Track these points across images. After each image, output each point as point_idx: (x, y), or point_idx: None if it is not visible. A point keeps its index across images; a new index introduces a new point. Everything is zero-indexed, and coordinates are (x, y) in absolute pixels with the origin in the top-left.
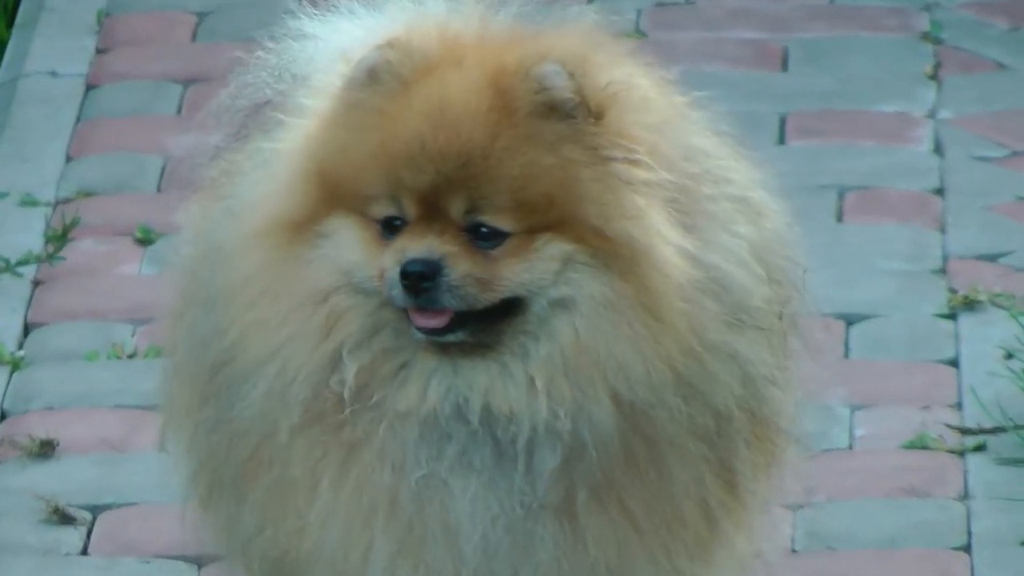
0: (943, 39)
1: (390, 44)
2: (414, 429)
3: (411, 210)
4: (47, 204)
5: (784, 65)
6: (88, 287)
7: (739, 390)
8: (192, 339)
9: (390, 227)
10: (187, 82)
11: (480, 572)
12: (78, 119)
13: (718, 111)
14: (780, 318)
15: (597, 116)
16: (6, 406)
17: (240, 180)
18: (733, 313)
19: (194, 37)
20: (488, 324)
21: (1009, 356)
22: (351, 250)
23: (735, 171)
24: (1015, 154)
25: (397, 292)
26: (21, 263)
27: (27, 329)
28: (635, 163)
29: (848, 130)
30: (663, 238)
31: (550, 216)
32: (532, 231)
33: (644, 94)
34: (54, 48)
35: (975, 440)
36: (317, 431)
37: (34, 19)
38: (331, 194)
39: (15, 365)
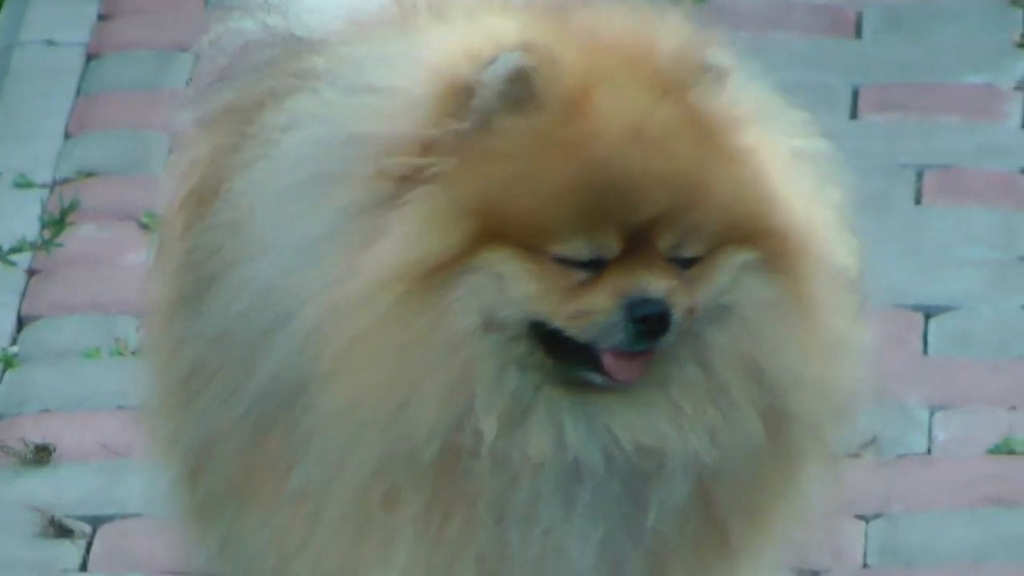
0: None
1: (526, 48)
2: (551, 478)
3: (615, 247)
4: (43, 186)
5: (858, 32)
6: (89, 277)
7: (851, 386)
8: (233, 398)
9: (582, 264)
10: (197, 53)
11: None
12: (78, 93)
13: (784, 83)
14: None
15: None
16: None
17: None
18: (843, 296)
19: (206, 2)
20: None
21: None
22: (518, 285)
23: (794, 122)
24: None
25: (622, 337)
26: (15, 251)
27: (21, 323)
28: (790, 145)
29: (928, 104)
30: (818, 218)
31: (742, 232)
32: (714, 249)
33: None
34: (52, 15)
35: None
36: (444, 492)
37: None
38: (491, 231)
39: (8, 363)
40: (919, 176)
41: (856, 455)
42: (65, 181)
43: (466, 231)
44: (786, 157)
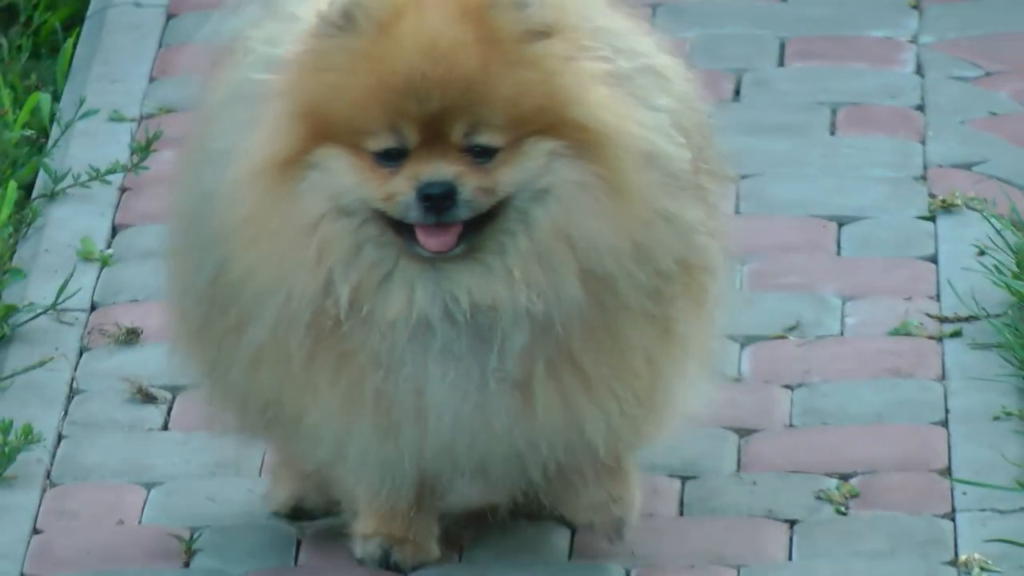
0: None
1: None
2: (403, 333)
3: (413, 139)
4: (133, 120)
5: None
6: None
7: (679, 249)
8: (197, 277)
9: (389, 156)
10: None
11: (445, 444)
12: (160, 45)
13: (725, 36)
14: (697, 172)
15: (553, 31)
16: (96, 299)
17: (216, 125)
18: (667, 181)
19: None
20: (478, 231)
21: (982, 253)
22: (344, 176)
23: (641, 43)
24: (988, 74)
25: (415, 213)
26: (109, 172)
27: (115, 230)
28: (594, 59)
29: (841, 54)
30: (625, 119)
31: (537, 124)
32: (519, 139)
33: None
34: None
35: (952, 327)
36: (318, 346)
37: None
38: (320, 131)
39: (104, 262)
40: (834, 112)
41: (782, 336)
42: (150, 116)
43: (302, 133)
44: (591, 71)
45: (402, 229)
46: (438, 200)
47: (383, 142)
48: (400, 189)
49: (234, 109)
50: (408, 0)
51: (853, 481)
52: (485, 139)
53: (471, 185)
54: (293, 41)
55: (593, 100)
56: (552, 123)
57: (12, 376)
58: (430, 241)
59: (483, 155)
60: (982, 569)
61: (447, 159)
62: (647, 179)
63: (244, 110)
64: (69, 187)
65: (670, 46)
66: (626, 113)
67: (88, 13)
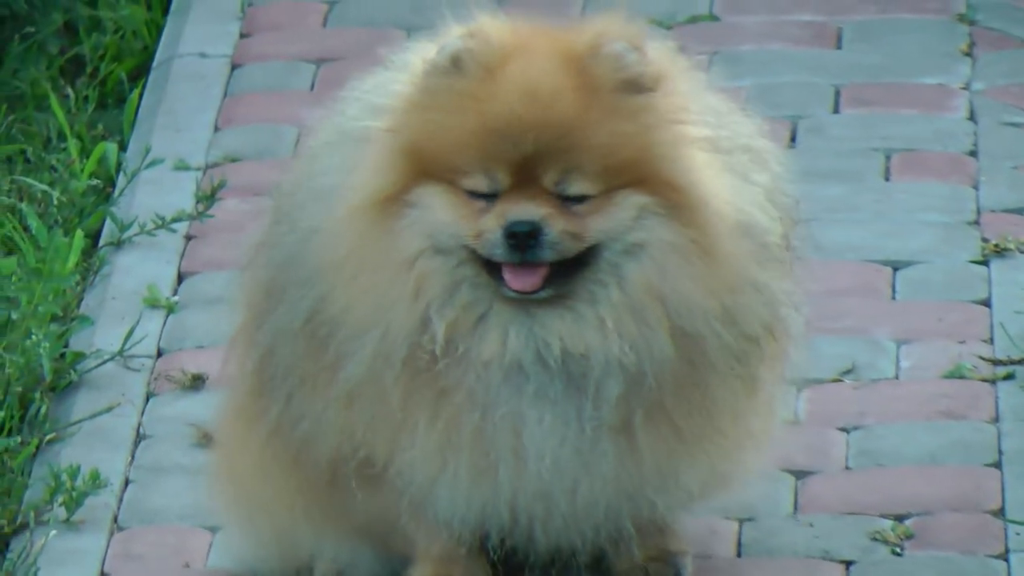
0: (977, 20)
1: (470, 34)
2: (498, 374)
3: (505, 180)
4: (198, 168)
5: (839, 43)
6: (233, 241)
7: (766, 317)
8: (292, 315)
9: (484, 196)
10: (319, 62)
11: (543, 488)
12: (224, 94)
13: (781, 84)
14: (788, 248)
15: (654, 87)
16: (162, 345)
17: (320, 164)
18: (759, 251)
19: (325, 23)
20: (567, 277)
21: None
22: (440, 213)
23: (741, 124)
24: None
25: (500, 251)
26: (175, 220)
27: (180, 278)
28: (694, 124)
29: (894, 100)
30: (719, 187)
31: (630, 176)
32: (611, 190)
33: (675, 65)
34: (204, 33)
35: (1005, 370)
36: (415, 383)
37: (186, 7)
38: (421, 169)
39: (170, 309)
40: (887, 157)
41: (838, 379)
42: (214, 165)
43: (404, 170)
44: (689, 133)
45: (493, 269)
46: (523, 238)
47: (477, 182)
48: (488, 227)
49: (340, 149)
50: (515, 47)
51: (908, 522)
52: (576, 186)
53: (557, 227)
54: (402, 84)
55: (688, 161)
56: (644, 177)
57: (80, 421)
58: (515, 281)
59: (574, 202)
60: None
61: (536, 201)
62: (739, 247)
63: (349, 150)
64: (135, 235)
65: (767, 130)
66: (720, 179)
67: (153, 64)
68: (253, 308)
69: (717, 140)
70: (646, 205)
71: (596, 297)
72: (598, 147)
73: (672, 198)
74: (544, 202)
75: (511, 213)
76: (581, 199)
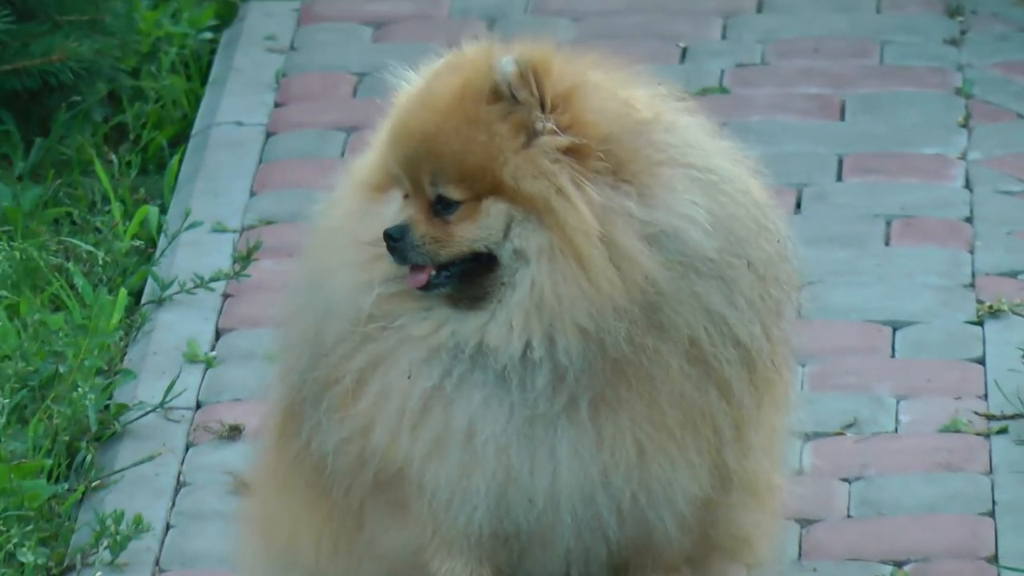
0: (973, 94)
1: (425, 63)
2: (423, 350)
3: (407, 186)
4: (234, 231)
5: (843, 115)
6: (268, 299)
7: (704, 321)
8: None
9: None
10: (349, 130)
11: (503, 469)
12: (260, 161)
13: (788, 153)
14: (763, 280)
15: (554, 106)
16: (201, 397)
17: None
18: (682, 259)
19: (354, 93)
20: (470, 279)
21: None
22: (388, 211)
23: (713, 160)
24: None
25: (390, 254)
26: (213, 279)
27: (218, 334)
28: (557, 135)
29: (895, 169)
30: (570, 194)
31: (487, 183)
32: (479, 198)
33: (613, 95)
34: (240, 102)
35: (998, 424)
36: (353, 341)
37: (224, 78)
38: (390, 173)
39: (209, 364)
40: (888, 223)
41: (841, 433)
42: (250, 227)
43: (382, 171)
44: (548, 143)
45: None
46: (392, 241)
47: (401, 187)
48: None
49: (353, 193)
50: (449, 65)
51: (907, 568)
52: (444, 190)
53: (419, 232)
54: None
55: (532, 170)
56: (500, 186)
57: (124, 470)
58: (409, 278)
59: (446, 207)
60: None
61: (417, 207)
62: (634, 251)
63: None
64: (175, 294)
65: (762, 185)
66: (570, 189)
67: (193, 132)
68: (284, 357)
69: (633, 157)
70: (511, 213)
71: (504, 298)
72: (452, 153)
73: (529, 205)
74: (419, 209)
75: (395, 218)
76: (451, 205)
